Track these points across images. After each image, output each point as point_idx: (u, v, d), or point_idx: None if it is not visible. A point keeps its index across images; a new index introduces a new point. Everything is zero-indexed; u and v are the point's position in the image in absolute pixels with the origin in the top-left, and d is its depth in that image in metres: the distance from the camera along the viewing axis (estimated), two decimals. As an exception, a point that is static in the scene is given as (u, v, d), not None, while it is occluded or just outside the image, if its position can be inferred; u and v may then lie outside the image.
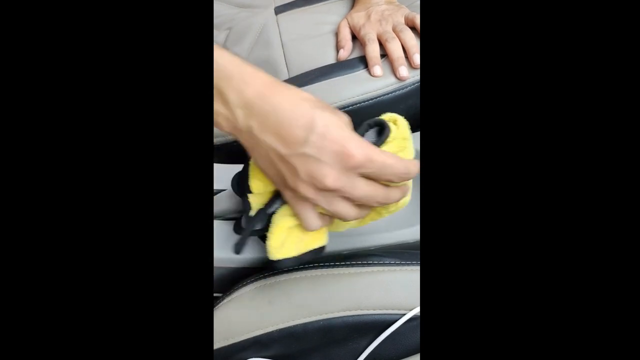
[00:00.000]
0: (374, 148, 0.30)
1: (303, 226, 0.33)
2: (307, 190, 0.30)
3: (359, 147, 0.29)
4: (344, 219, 0.32)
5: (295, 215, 0.34)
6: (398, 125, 0.33)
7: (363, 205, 0.32)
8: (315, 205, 0.32)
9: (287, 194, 0.33)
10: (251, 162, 0.35)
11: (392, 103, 0.49)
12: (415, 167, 0.31)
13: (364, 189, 0.30)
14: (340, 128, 0.30)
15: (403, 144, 0.33)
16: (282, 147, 0.30)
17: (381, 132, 0.33)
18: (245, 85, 0.30)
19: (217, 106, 0.31)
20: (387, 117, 0.34)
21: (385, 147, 0.32)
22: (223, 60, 0.30)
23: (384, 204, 0.33)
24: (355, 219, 0.33)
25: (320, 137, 0.29)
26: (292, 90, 0.31)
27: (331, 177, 0.29)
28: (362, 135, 0.33)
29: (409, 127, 0.34)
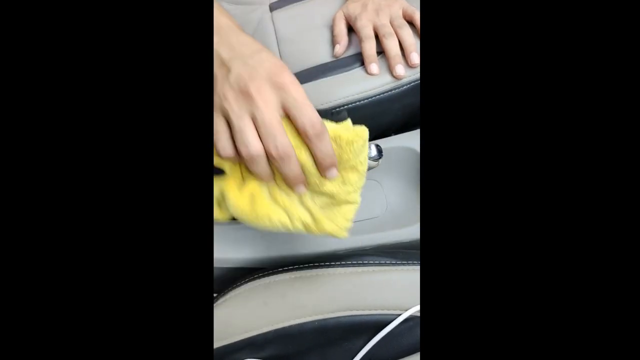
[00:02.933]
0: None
1: (216, 147, 0.32)
2: (229, 93, 0.31)
3: (291, 75, 0.31)
4: (245, 146, 0.30)
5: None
6: (355, 139, 0.31)
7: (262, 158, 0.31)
8: (228, 119, 0.31)
9: (215, 102, 0.32)
10: None
11: (388, 102, 0.49)
12: (331, 157, 0.31)
13: (272, 116, 0.30)
14: (280, 61, 0.32)
15: (353, 139, 0.31)
16: (227, 51, 0.33)
17: (339, 116, 0.32)
18: (234, 34, 0.35)
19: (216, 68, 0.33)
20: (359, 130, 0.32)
21: (330, 125, 0.31)
22: None
23: (275, 159, 0.30)
24: (260, 177, 0.32)
25: (263, 59, 0.32)
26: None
27: (256, 84, 0.30)
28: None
29: (366, 165, 0.33)
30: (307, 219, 0.33)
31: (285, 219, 0.32)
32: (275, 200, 0.33)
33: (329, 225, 0.33)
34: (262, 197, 0.33)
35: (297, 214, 0.33)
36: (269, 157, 0.31)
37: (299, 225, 0.33)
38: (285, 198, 0.33)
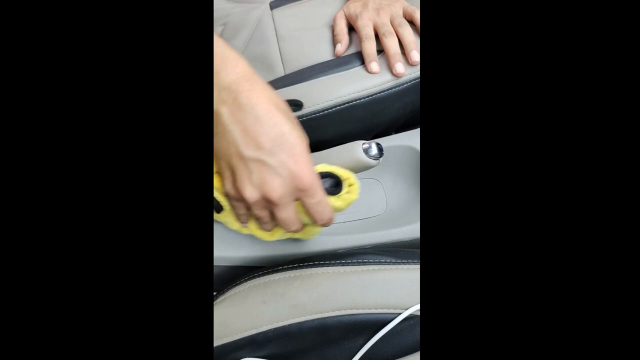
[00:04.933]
0: (320, 183, 0.33)
1: (231, 222, 0.39)
2: (251, 194, 0.32)
3: (312, 174, 0.32)
4: (259, 225, 0.36)
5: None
6: (351, 191, 0.36)
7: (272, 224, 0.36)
8: (244, 207, 0.35)
9: (227, 186, 0.34)
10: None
11: (388, 100, 0.48)
12: (332, 222, 0.35)
13: (290, 214, 0.33)
14: (303, 151, 0.32)
15: (344, 205, 0.36)
16: (246, 147, 0.31)
17: (336, 185, 0.36)
18: (225, 69, 0.31)
19: None
20: (345, 176, 0.36)
21: (332, 199, 0.35)
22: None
23: (290, 232, 0.36)
24: (263, 230, 0.37)
25: (285, 154, 0.31)
26: (269, 92, 0.32)
27: (278, 192, 0.31)
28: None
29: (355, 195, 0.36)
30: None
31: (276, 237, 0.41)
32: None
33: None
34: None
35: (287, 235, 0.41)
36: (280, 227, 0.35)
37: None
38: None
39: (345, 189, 0.36)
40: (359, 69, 0.49)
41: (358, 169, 0.38)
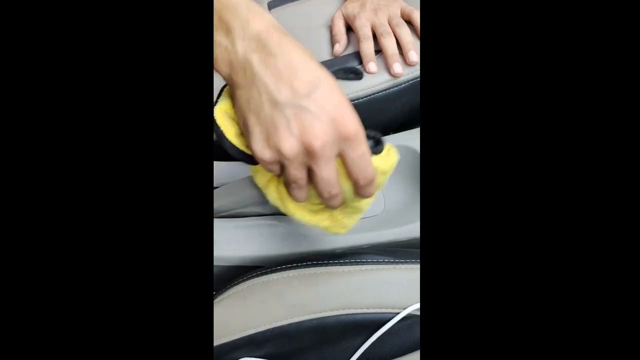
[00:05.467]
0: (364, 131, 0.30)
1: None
2: (290, 146, 0.28)
3: (355, 120, 0.28)
4: (290, 191, 0.32)
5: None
6: (391, 153, 0.33)
7: (309, 192, 0.32)
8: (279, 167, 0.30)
9: (258, 146, 0.29)
10: (220, 105, 0.32)
11: (386, 100, 0.49)
12: (373, 190, 0.31)
13: (332, 171, 0.29)
14: (342, 95, 0.29)
15: (387, 167, 0.33)
16: (281, 92, 0.27)
17: (377, 144, 0.32)
18: (252, 18, 0.29)
19: (218, 36, 0.29)
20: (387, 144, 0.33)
21: (374, 159, 0.31)
22: None
23: (329, 203, 0.32)
24: (296, 200, 0.32)
25: (323, 97, 0.28)
26: (298, 42, 0.30)
27: (321, 139, 0.27)
28: None
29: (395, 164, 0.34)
30: (326, 223, 0.36)
31: (307, 219, 0.35)
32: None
33: (342, 227, 0.36)
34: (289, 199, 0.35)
35: (318, 218, 0.36)
36: (318, 194, 0.31)
37: (317, 225, 0.36)
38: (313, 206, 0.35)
39: (386, 149, 0.32)
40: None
41: None
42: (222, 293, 0.37)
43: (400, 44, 0.49)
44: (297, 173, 0.30)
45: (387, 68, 0.49)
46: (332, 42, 0.53)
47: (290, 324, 0.34)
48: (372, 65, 0.49)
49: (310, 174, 0.30)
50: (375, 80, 0.48)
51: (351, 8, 0.53)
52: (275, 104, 0.28)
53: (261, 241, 0.42)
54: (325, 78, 0.28)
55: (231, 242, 0.42)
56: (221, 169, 0.47)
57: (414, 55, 0.48)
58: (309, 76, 0.28)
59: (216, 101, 0.32)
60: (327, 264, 0.36)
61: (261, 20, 0.29)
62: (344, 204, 0.33)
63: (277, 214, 0.45)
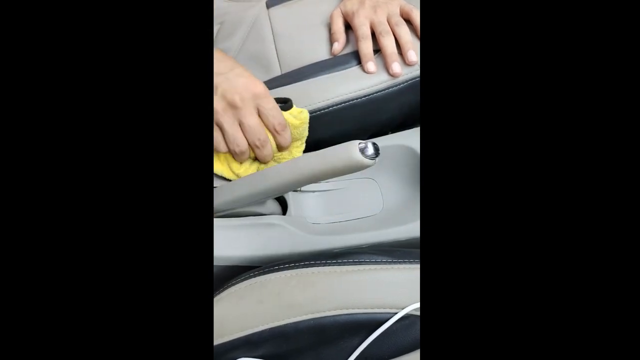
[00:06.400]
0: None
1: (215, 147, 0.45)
2: (219, 105, 0.41)
3: (263, 85, 0.43)
4: (237, 146, 0.43)
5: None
6: (302, 111, 0.46)
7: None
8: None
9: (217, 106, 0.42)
10: None
11: (385, 100, 0.48)
12: (289, 138, 0.44)
13: (255, 120, 0.42)
14: (251, 74, 0.44)
15: (297, 121, 0.45)
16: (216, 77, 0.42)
17: (285, 103, 0.45)
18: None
19: None
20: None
21: (285, 114, 0.44)
22: None
23: (261, 154, 0.44)
24: (242, 150, 0.43)
25: (238, 74, 0.43)
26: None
27: (239, 97, 0.41)
28: None
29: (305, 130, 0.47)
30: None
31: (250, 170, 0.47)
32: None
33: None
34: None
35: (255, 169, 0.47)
36: (251, 146, 0.43)
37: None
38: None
39: (297, 110, 0.45)
40: (355, 69, 0.49)
41: (354, 169, 0.38)
42: (219, 293, 0.37)
43: (399, 43, 0.49)
44: (233, 128, 0.42)
45: (386, 68, 0.48)
46: (331, 40, 0.53)
47: (287, 324, 0.34)
48: (370, 65, 0.48)
49: (242, 127, 0.42)
50: (374, 80, 0.48)
51: (350, 5, 0.53)
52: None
53: (259, 241, 0.42)
54: (239, 66, 0.44)
55: (229, 242, 0.42)
56: None
57: (413, 55, 0.48)
58: (228, 63, 0.44)
59: None
60: (325, 264, 0.36)
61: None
62: (273, 157, 0.46)
63: (276, 213, 0.45)
